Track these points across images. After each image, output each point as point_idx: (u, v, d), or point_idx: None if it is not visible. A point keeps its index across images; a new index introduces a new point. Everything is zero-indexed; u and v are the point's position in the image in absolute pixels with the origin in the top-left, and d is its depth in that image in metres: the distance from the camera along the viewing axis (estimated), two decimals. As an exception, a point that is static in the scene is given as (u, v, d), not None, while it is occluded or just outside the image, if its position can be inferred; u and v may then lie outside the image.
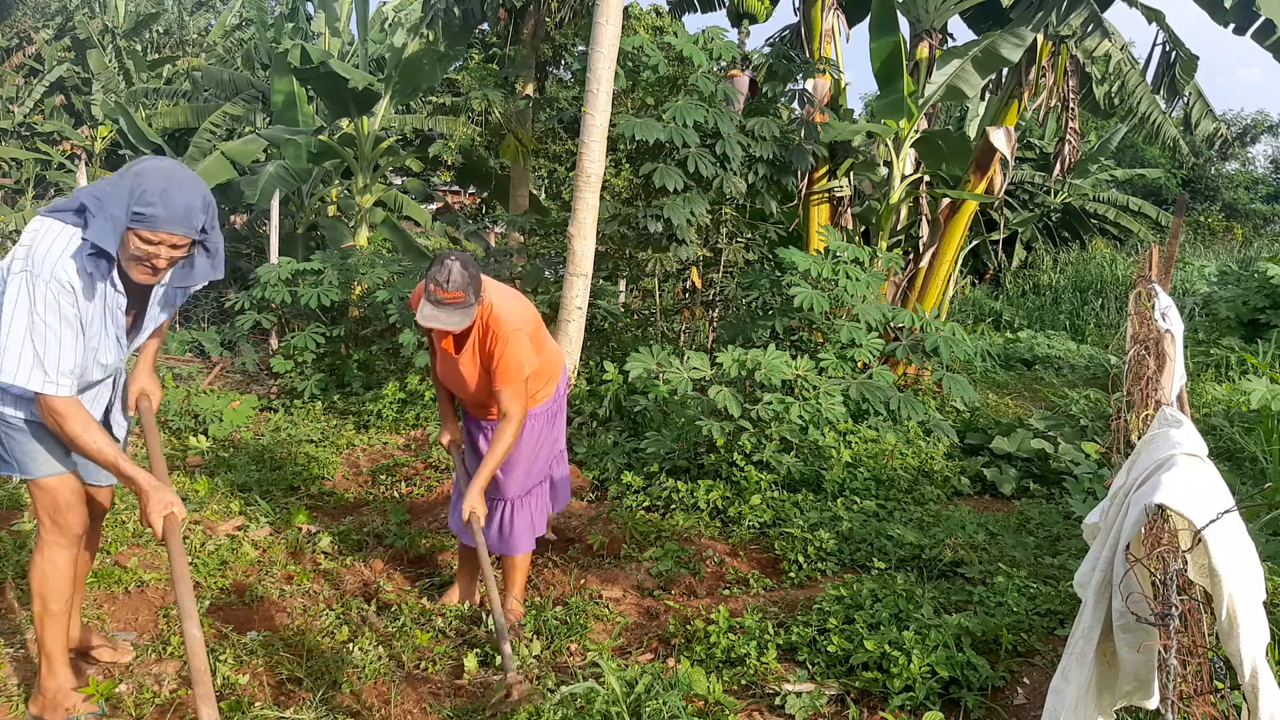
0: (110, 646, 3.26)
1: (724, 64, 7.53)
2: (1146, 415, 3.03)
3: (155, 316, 2.89)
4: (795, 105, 8.41)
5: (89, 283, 2.55)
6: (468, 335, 3.45)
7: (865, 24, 7.98)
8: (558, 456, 3.95)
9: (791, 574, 4.28)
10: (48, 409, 2.57)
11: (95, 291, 2.59)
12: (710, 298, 7.93)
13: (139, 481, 2.64)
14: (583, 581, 4.20)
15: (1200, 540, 1.72)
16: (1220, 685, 1.86)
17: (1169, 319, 4.29)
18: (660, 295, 8.01)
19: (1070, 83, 8.33)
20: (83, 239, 2.48)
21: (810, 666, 3.33)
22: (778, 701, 3.11)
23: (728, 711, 2.98)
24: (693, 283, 8.56)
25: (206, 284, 2.88)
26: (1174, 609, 1.60)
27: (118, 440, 2.96)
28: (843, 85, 8.75)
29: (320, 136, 10.19)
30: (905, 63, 7.74)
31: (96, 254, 2.49)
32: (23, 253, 2.53)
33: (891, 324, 6.90)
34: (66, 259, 2.51)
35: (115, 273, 2.60)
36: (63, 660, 2.97)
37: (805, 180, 8.37)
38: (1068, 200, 16.60)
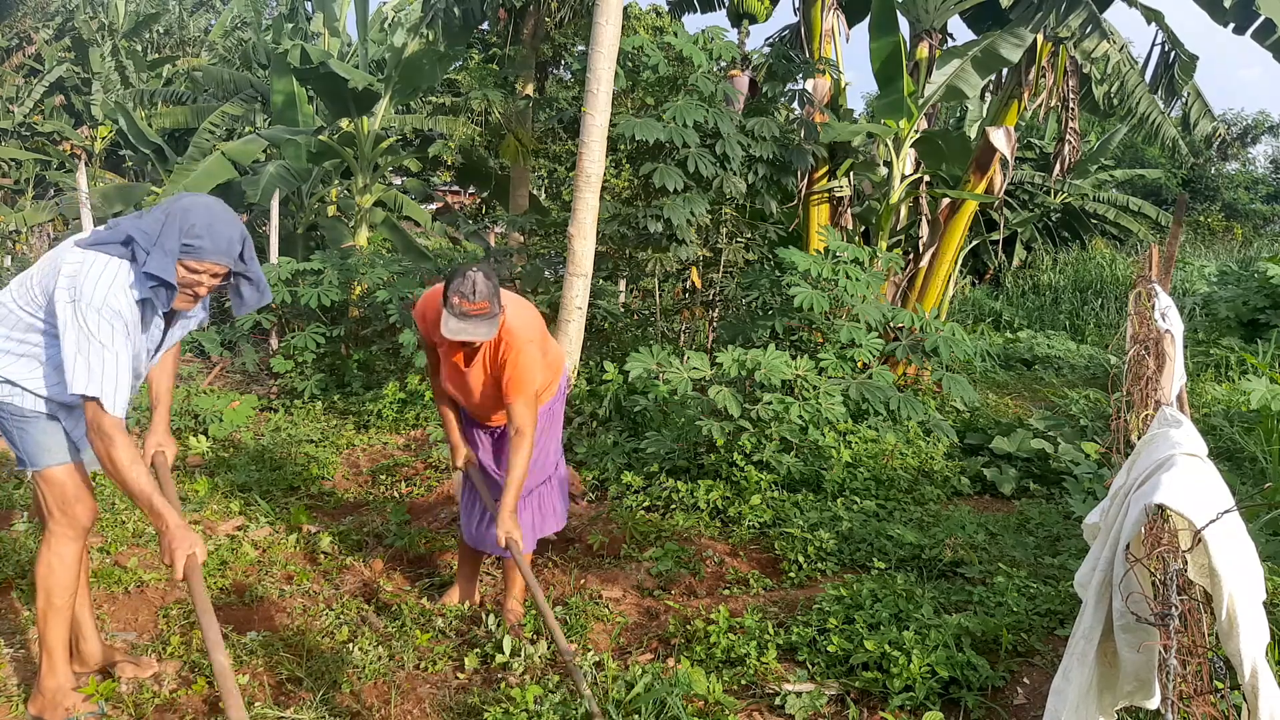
0: (133, 662, 3.25)
1: (724, 64, 7.53)
2: (1146, 415, 3.03)
3: (171, 338, 2.99)
4: (795, 105, 8.41)
5: (145, 312, 2.72)
6: (479, 348, 3.42)
7: (865, 24, 7.98)
8: (559, 457, 3.95)
9: (791, 574, 4.28)
10: (98, 429, 2.63)
11: (148, 322, 2.75)
12: (710, 298, 7.93)
13: (167, 520, 2.69)
14: (583, 581, 4.20)
15: (1200, 540, 1.72)
16: (1220, 685, 1.86)
17: (1169, 319, 4.30)
18: (660, 295, 8.02)
19: (1070, 83, 8.33)
20: (144, 272, 2.62)
21: (810, 666, 3.33)
22: (778, 701, 3.11)
23: (728, 711, 2.99)
24: (693, 283, 8.56)
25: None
26: (1174, 609, 1.61)
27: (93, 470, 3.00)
28: (843, 85, 8.74)
29: (320, 136, 10.19)
30: (905, 63, 7.74)
31: (159, 284, 2.65)
32: (66, 283, 2.62)
33: (891, 324, 6.90)
34: (118, 289, 2.62)
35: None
36: (64, 659, 2.97)
37: (805, 180, 8.36)
38: (1068, 200, 16.60)
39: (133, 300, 2.65)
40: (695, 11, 10.09)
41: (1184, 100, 8.75)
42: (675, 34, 7.09)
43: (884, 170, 8.72)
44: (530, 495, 3.77)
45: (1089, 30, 7.81)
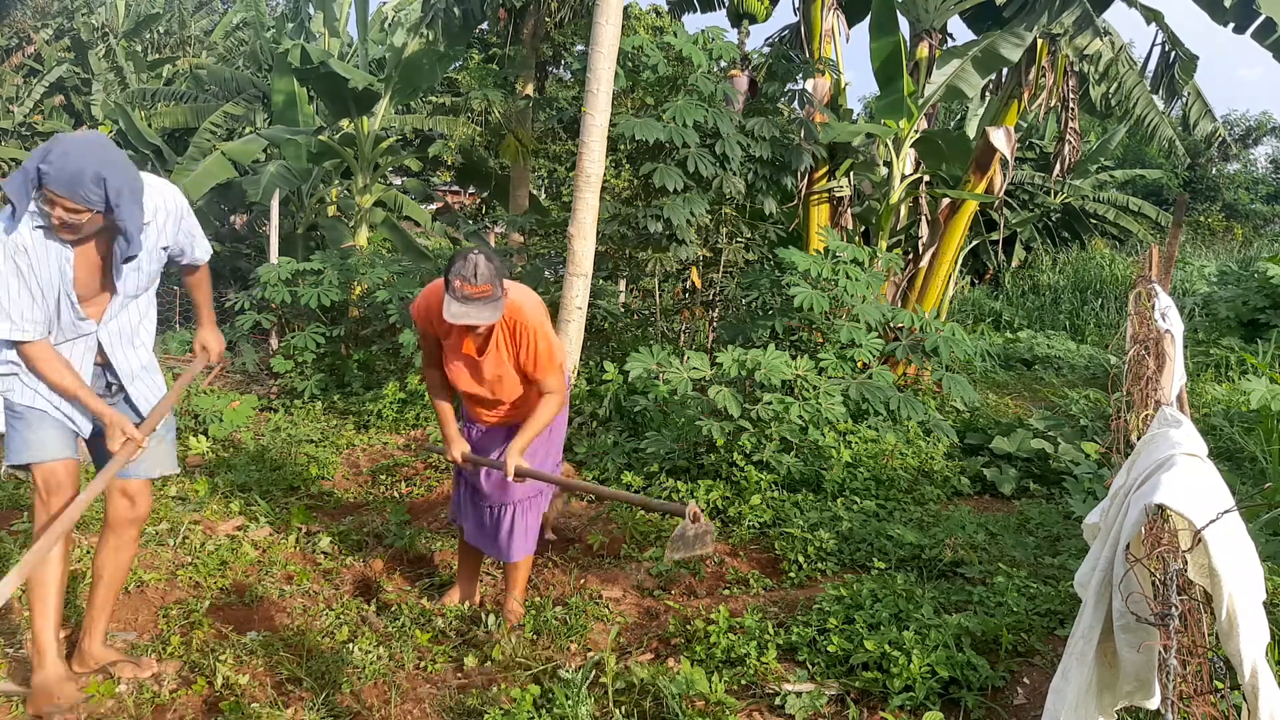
0: (133, 663, 3.25)
1: (724, 64, 7.52)
2: (1146, 415, 3.03)
3: (133, 288, 3.00)
4: (795, 105, 8.40)
5: (36, 241, 2.74)
6: (490, 335, 3.41)
7: (865, 24, 7.98)
8: (557, 464, 3.95)
9: (791, 574, 4.28)
10: (24, 356, 2.82)
11: (49, 251, 2.77)
12: (710, 298, 7.93)
13: (104, 415, 2.90)
14: (583, 581, 4.20)
15: (1200, 540, 1.72)
16: (1220, 685, 1.86)
17: (1169, 319, 4.29)
18: (660, 295, 8.01)
19: (1070, 83, 8.33)
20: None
21: (810, 666, 3.33)
22: (778, 701, 3.11)
23: (728, 711, 2.98)
24: (693, 283, 8.56)
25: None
26: (1174, 609, 1.60)
27: (140, 417, 3.10)
28: (842, 85, 8.74)
29: (320, 136, 10.19)
30: (905, 63, 7.74)
31: (5, 200, 2.75)
32: None
33: (891, 324, 6.90)
34: (3, 219, 2.74)
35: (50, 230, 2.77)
36: (49, 650, 3.00)
37: (805, 180, 8.36)
38: (1067, 200, 16.60)
39: (21, 228, 2.71)
40: (695, 11, 10.09)
41: (1184, 100, 8.75)
42: (675, 34, 7.09)
43: (884, 170, 8.72)
44: (533, 499, 3.76)
45: (1082, 27, 7.81)
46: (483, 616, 3.75)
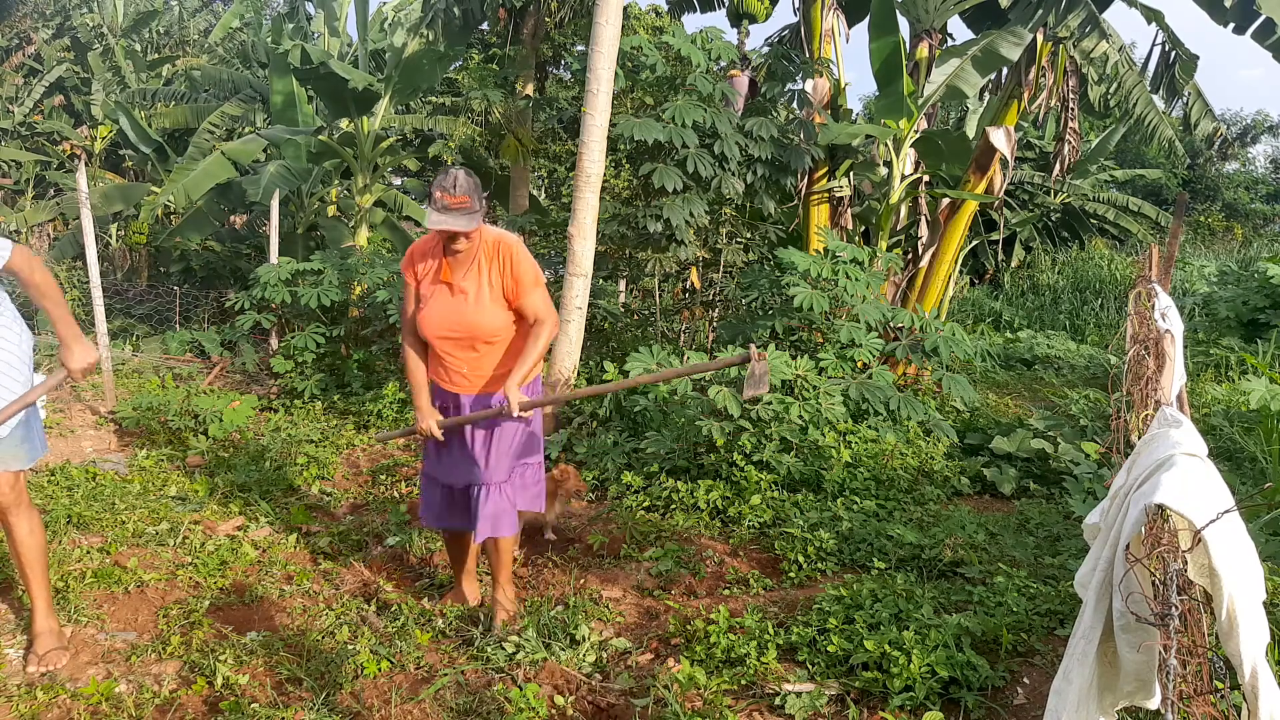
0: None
1: (723, 64, 7.53)
2: (1146, 415, 3.03)
3: None
4: (795, 105, 8.40)
5: None
6: (472, 260, 3.47)
7: (865, 24, 7.98)
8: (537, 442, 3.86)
9: (791, 574, 4.28)
10: None
11: None
12: (710, 298, 7.93)
13: None
14: (583, 581, 4.20)
15: (1200, 540, 1.72)
16: (1220, 685, 1.86)
17: (1169, 319, 4.29)
18: (660, 295, 8.01)
19: (1070, 83, 8.33)
20: None
21: (810, 666, 3.33)
22: (778, 701, 3.11)
23: (728, 712, 2.99)
24: (692, 283, 8.56)
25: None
26: (1174, 609, 1.60)
27: None
28: (842, 85, 8.75)
29: (320, 136, 10.19)
30: (905, 63, 7.73)
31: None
32: None
33: (891, 324, 6.90)
34: None
35: None
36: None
37: (805, 180, 8.37)
38: (1067, 200, 16.61)
39: None
40: (695, 11, 10.09)
41: (1185, 100, 8.75)
42: (674, 34, 7.09)
43: (884, 170, 8.72)
44: (508, 480, 3.66)
45: (1088, 30, 7.81)
46: (482, 617, 3.75)
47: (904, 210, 8.82)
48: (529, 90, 9.90)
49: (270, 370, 7.87)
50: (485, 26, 10.40)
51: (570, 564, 4.46)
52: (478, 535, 3.63)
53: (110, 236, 14.18)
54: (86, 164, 14.48)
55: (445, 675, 3.29)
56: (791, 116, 8.14)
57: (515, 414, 3.42)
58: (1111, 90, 8.71)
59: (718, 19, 14.77)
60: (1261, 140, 27.73)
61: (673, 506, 5.06)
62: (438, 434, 3.57)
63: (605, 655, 3.47)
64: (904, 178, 8.39)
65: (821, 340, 6.65)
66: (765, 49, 8.76)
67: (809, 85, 8.18)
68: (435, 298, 3.53)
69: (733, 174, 7.09)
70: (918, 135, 8.29)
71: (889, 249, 8.33)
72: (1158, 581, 1.77)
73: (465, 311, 3.48)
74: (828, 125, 7.94)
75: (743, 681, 3.23)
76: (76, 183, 6.98)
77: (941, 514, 4.96)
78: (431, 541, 4.62)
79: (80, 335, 3.21)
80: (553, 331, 3.57)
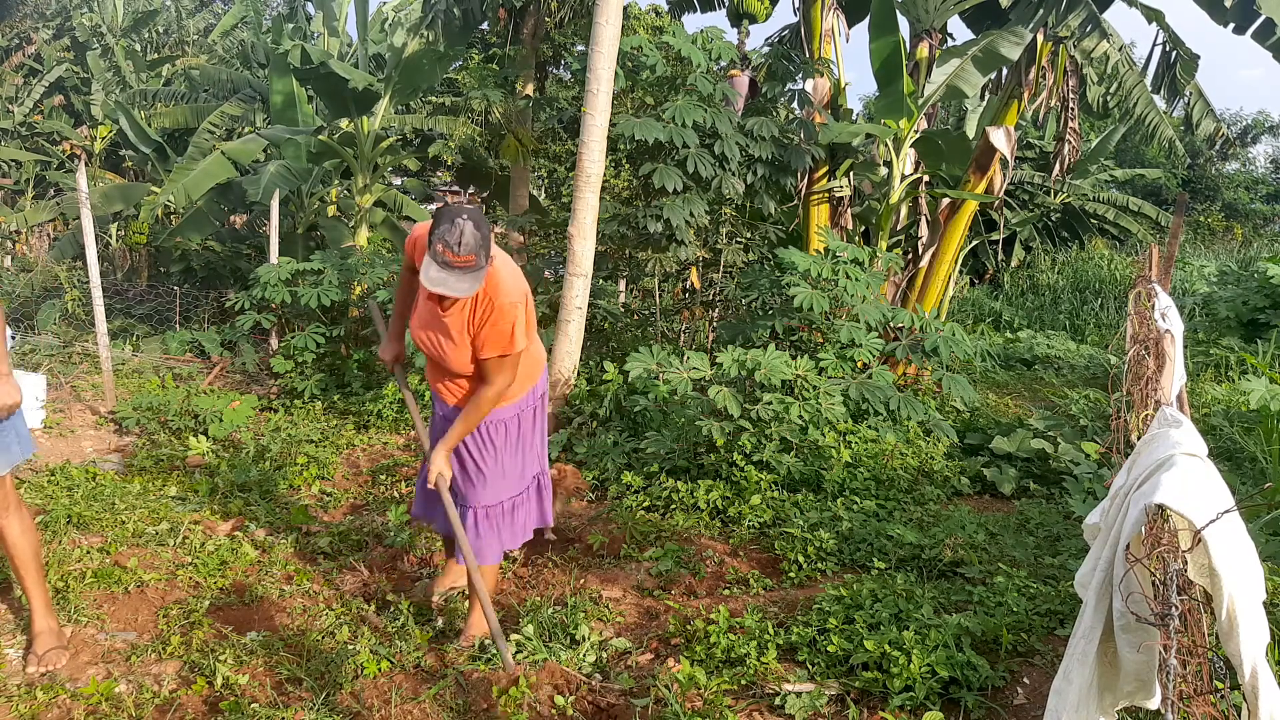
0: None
1: (723, 64, 7.52)
2: (1146, 415, 3.03)
3: None
4: (795, 105, 8.41)
5: None
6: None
7: (865, 24, 7.98)
8: (542, 468, 3.69)
9: (791, 574, 4.28)
10: None
11: None
12: (710, 298, 7.93)
13: None
14: (583, 581, 4.20)
15: (1200, 540, 1.72)
16: (1220, 685, 1.86)
17: (1169, 319, 4.29)
18: (660, 295, 8.01)
19: (1070, 83, 8.32)
20: None
21: (810, 666, 3.33)
22: (778, 701, 3.11)
23: (728, 712, 2.98)
24: (692, 283, 8.56)
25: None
26: (1174, 609, 1.61)
27: None
28: (842, 85, 8.75)
29: (320, 136, 10.19)
30: (905, 63, 7.74)
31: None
32: None
33: (891, 324, 6.90)
34: None
35: None
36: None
37: (805, 180, 8.37)
38: (1067, 200, 16.61)
39: None
40: (695, 11, 10.09)
41: (1186, 100, 8.75)
42: (674, 34, 7.09)
43: (884, 170, 8.72)
44: (498, 506, 3.52)
45: (1089, 30, 7.81)
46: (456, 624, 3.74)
47: (904, 210, 8.83)
48: (529, 90, 9.90)
49: (270, 370, 7.87)
50: (485, 26, 10.41)
51: (570, 564, 4.46)
52: (457, 555, 3.57)
53: (110, 236, 14.18)
54: (86, 164, 14.48)
55: (445, 675, 3.29)
56: (792, 116, 8.14)
57: (430, 484, 3.31)
58: (1112, 90, 8.70)
59: (718, 19, 14.82)
60: (1262, 140, 27.74)
61: (673, 506, 5.06)
62: (389, 366, 3.59)
63: (605, 655, 3.47)
64: (904, 178, 8.39)
65: (821, 340, 6.65)
66: (765, 49, 8.76)
67: (809, 85, 8.18)
68: (424, 305, 3.30)
69: (733, 174, 7.09)
70: (918, 135, 8.29)
71: (889, 249, 8.33)
72: (1158, 581, 1.77)
73: (442, 340, 3.27)
74: (828, 125, 7.94)
75: (743, 681, 3.23)
76: (76, 183, 6.98)
77: (941, 514, 4.96)
78: (431, 541, 4.62)
79: (7, 374, 3.10)
80: (493, 400, 3.26)
